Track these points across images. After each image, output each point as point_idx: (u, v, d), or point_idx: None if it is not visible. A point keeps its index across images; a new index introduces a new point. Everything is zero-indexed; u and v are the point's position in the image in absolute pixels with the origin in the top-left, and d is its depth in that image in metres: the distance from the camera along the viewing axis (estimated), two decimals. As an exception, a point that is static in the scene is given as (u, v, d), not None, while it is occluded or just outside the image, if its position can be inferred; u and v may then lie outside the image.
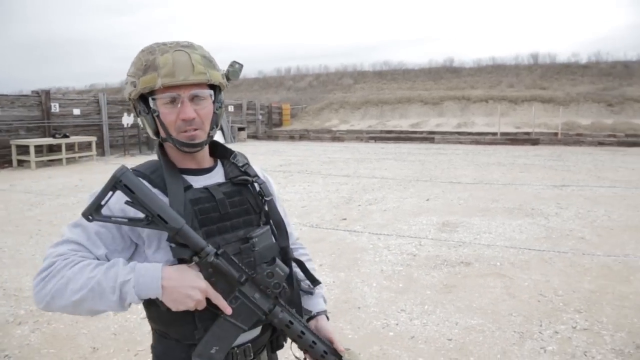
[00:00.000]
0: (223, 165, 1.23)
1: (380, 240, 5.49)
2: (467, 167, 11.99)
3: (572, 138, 18.26)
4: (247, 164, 1.24)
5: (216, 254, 1.01)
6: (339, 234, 5.78)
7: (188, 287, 0.99)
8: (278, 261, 1.09)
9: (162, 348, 1.13)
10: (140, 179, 1.08)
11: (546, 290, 3.92)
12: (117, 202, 1.03)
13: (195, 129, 1.10)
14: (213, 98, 1.14)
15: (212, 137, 1.16)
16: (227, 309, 1.03)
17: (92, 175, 11.09)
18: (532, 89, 26.79)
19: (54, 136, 13.44)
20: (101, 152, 15.20)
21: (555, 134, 18.96)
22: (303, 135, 23.20)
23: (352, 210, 7.06)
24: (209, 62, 1.12)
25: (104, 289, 0.97)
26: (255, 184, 1.21)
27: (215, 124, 1.15)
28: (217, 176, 1.20)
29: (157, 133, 1.14)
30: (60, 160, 13.04)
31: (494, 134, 19.76)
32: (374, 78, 36.99)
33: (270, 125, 27.06)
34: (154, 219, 0.99)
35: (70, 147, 13.72)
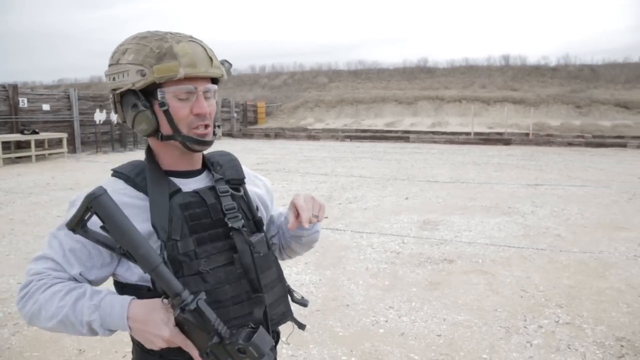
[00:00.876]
0: (214, 168, 1.15)
1: (363, 238, 5.53)
2: (442, 166, 12.18)
3: (542, 138, 18.77)
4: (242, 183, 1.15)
5: (183, 309, 0.88)
6: (321, 232, 5.77)
7: (150, 334, 0.92)
8: (259, 334, 0.91)
9: None
10: (124, 184, 1.04)
11: (528, 286, 4.02)
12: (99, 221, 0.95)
13: (207, 126, 1.05)
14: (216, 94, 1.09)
15: (216, 135, 1.11)
16: None
17: (64, 172, 10.79)
18: (503, 90, 27.39)
19: (22, 132, 13.01)
20: (72, 149, 14.80)
21: (527, 134, 19.45)
22: (278, 134, 23.13)
23: (332, 209, 7.07)
24: (215, 57, 1.07)
25: (72, 323, 0.95)
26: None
27: (215, 121, 1.10)
28: (207, 179, 1.13)
29: (155, 130, 1.03)
30: (29, 157, 12.65)
31: (468, 133, 20.13)
32: (349, 77, 37.15)
33: (245, 123, 26.88)
34: (125, 253, 0.91)
35: (39, 144, 13.32)
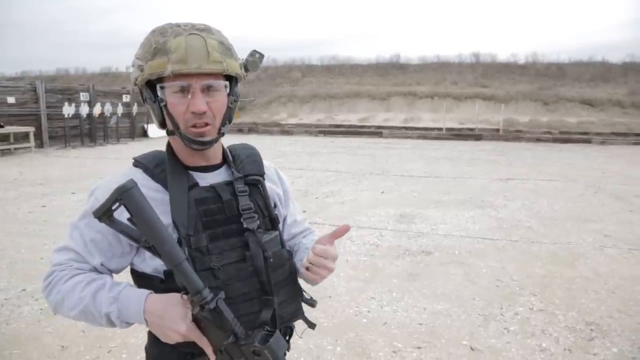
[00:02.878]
0: (234, 162, 1.14)
1: (342, 231, 5.59)
2: (416, 161, 12.36)
3: (512, 134, 19.23)
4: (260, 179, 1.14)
5: (202, 307, 0.89)
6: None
7: (167, 328, 0.93)
8: (275, 338, 0.92)
9: (157, 351, 1.08)
10: (142, 175, 1.03)
11: (502, 276, 4.16)
12: (125, 211, 0.93)
13: (206, 124, 1.01)
14: (228, 90, 1.04)
15: (223, 133, 1.06)
16: (212, 357, 0.95)
17: (32, 168, 10.49)
18: (474, 86, 27.91)
19: (-14, 126, 12.58)
20: (40, 144, 14.36)
21: (497, 130, 19.88)
22: (252, 129, 22.97)
23: (310, 203, 7.12)
24: (227, 49, 1.01)
25: (92, 314, 0.98)
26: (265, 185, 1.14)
27: (228, 119, 1.06)
28: (226, 173, 1.12)
29: (163, 124, 1.05)
30: (-6, 151, 12.25)
31: (440, 129, 20.44)
32: (322, 72, 37.13)
33: (219, 118, 26.58)
34: (150, 247, 0.91)
35: (4, 138, 12.90)
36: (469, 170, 10.59)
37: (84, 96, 16.16)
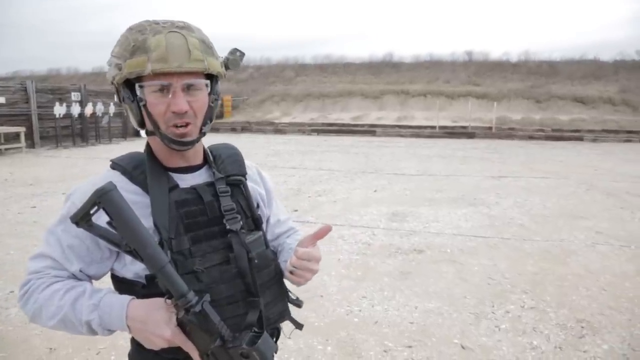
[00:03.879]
0: (215, 162, 1.12)
1: (334, 230, 5.56)
2: (409, 159, 12.38)
3: (505, 132, 19.32)
4: (242, 180, 1.12)
5: (188, 311, 0.88)
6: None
7: (150, 333, 0.91)
8: (263, 340, 0.91)
9: (141, 358, 1.06)
10: (120, 177, 1.01)
11: (494, 273, 4.17)
12: (103, 215, 0.89)
13: (187, 124, 0.98)
14: (209, 89, 1.01)
15: (204, 133, 1.03)
16: None
17: (23, 168, 10.40)
18: (467, 85, 27.98)
19: (-24, 126, 12.46)
20: (31, 144, 14.27)
21: (490, 128, 19.94)
22: (245, 127, 22.92)
23: (302, 202, 7.11)
24: (208, 47, 0.99)
25: (72, 322, 0.94)
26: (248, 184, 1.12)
27: (209, 118, 1.04)
28: (207, 174, 1.09)
29: (142, 124, 1.01)
30: (-16, 152, 12.13)
31: (433, 127, 20.48)
32: (316, 71, 37.08)
33: (212, 117, 26.47)
34: (131, 251, 0.88)
35: (-5, 138, 12.80)
36: (462, 168, 10.61)
37: (75, 96, 16.06)
